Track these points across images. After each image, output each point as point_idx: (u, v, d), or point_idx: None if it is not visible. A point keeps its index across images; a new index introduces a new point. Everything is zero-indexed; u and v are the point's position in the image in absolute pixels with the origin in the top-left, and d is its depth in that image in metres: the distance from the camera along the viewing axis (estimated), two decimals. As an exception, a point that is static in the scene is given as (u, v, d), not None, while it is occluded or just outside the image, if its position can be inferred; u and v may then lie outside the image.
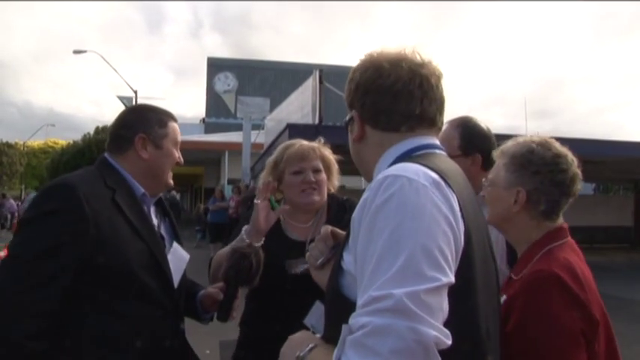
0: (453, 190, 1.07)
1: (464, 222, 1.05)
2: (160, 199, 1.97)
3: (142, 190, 1.83)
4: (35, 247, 1.53)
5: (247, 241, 2.01)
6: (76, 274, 1.55)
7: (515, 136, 1.73)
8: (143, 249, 1.71)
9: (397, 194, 1.01)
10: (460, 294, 1.01)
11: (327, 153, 2.32)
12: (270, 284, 2.06)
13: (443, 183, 1.06)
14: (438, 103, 1.26)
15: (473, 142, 2.17)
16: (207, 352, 5.29)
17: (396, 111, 1.23)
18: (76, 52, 23.98)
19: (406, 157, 1.18)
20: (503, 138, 1.82)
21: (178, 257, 1.90)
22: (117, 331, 1.62)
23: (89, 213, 1.58)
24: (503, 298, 1.51)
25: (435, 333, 0.89)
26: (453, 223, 1.02)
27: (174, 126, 1.92)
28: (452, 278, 0.97)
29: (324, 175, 2.26)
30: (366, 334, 0.89)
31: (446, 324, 0.94)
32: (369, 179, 1.20)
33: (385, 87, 1.22)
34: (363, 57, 1.31)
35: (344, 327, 0.97)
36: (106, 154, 1.86)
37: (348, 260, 1.11)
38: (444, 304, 0.95)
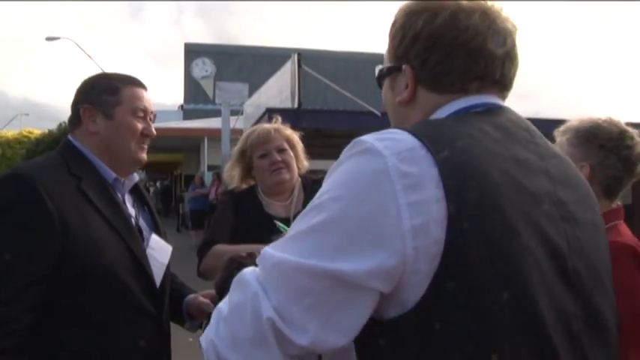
0: (437, 159, 0.81)
1: (447, 199, 0.78)
2: (136, 185, 1.76)
3: (114, 174, 1.62)
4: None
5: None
6: (51, 275, 1.40)
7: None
8: (118, 243, 1.52)
9: (347, 161, 0.87)
10: (457, 295, 0.79)
11: (289, 132, 2.34)
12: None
13: (424, 151, 0.81)
14: (516, 65, 1.01)
15: None
16: (190, 340, 5.25)
17: (470, 73, 0.96)
18: (49, 39, 23.28)
19: (463, 112, 0.96)
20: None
21: (159, 250, 1.71)
22: (95, 337, 1.47)
23: (51, 206, 1.40)
24: None
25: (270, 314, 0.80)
26: (401, 201, 0.79)
27: (132, 92, 1.64)
28: (350, 267, 0.79)
29: (290, 153, 2.28)
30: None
31: (447, 327, 0.78)
32: None
33: (460, 42, 0.94)
34: None
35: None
36: (69, 135, 1.65)
37: None
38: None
